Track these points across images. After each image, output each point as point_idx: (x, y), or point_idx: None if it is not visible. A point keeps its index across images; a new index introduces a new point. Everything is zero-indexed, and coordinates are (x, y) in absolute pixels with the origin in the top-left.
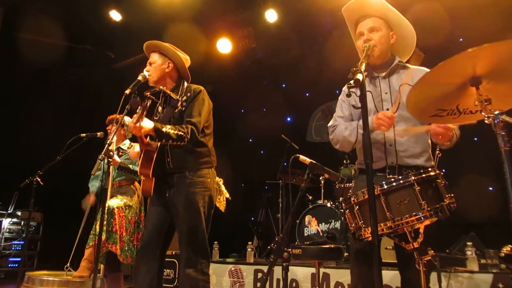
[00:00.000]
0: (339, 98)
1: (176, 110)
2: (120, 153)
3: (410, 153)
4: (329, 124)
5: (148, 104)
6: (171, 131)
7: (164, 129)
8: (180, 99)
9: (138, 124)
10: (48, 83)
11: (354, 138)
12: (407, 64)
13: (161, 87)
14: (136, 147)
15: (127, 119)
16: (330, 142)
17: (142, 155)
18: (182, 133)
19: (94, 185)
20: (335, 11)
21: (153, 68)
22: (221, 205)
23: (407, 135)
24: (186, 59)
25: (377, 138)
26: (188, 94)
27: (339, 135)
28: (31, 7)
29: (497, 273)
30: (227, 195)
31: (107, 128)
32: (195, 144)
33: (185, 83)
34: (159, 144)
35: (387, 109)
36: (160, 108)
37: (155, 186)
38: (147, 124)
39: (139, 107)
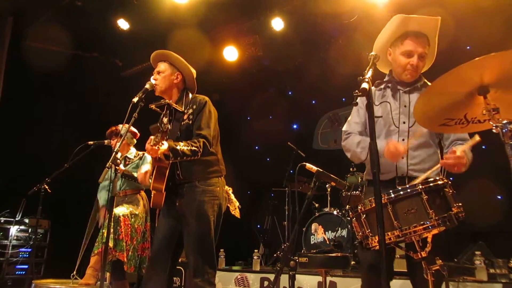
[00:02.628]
0: None
1: (183, 123)
2: (127, 162)
3: (421, 167)
4: (343, 129)
5: (168, 129)
6: (185, 148)
7: (178, 148)
8: (185, 111)
9: (156, 147)
10: (56, 91)
11: (364, 157)
12: (429, 83)
13: (167, 100)
14: (143, 168)
15: (124, 129)
16: (336, 149)
17: (155, 171)
18: (196, 148)
19: (103, 197)
20: (341, 19)
21: (162, 78)
22: (236, 212)
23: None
24: (193, 72)
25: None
26: (194, 107)
27: (350, 145)
28: (39, 15)
29: (506, 283)
30: (237, 204)
31: (111, 141)
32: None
33: (190, 94)
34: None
35: (404, 122)
36: (165, 120)
37: (165, 196)
38: (163, 145)
39: (159, 131)
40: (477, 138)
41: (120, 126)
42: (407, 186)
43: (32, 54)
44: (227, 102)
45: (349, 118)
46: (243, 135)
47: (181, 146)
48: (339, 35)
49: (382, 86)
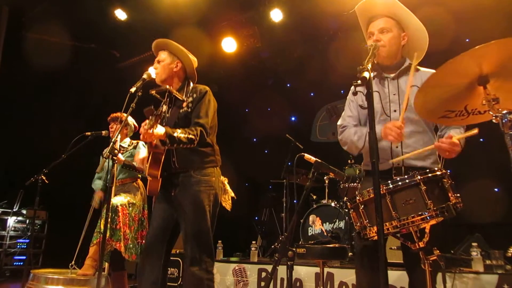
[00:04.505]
0: (348, 97)
1: (182, 111)
2: (121, 151)
3: (416, 155)
4: (338, 123)
5: (162, 112)
6: (182, 135)
7: (175, 134)
8: (185, 99)
9: (151, 131)
10: (53, 82)
11: (362, 144)
12: (418, 67)
13: (167, 86)
14: (141, 153)
15: (130, 119)
16: (334, 142)
17: (150, 157)
18: (193, 136)
19: (98, 183)
20: (341, 11)
21: (161, 67)
22: (227, 204)
23: (415, 156)
24: (194, 60)
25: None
26: (194, 95)
27: (347, 137)
28: (36, 6)
29: (502, 274)
30: (232, 194)
31: (109, 126)
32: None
33: (191, 84)
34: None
35: (394, 110)
36: (164, 107)
37: (161, 185)
38: (159, 130)
39: (152, 114)
40: (475, 130)
41: (125, 114)
42: (406, 176)
43: (28, 44)
44: (225, 94)
45: (342, 113)
46: (241, 127)
47: (178, 133)
48: (338, 27)
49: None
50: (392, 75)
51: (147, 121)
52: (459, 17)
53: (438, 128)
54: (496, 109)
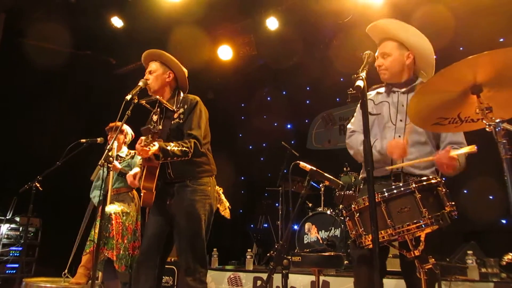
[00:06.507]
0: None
1: (173, 122)
2: (119, 161)
3: (416, 164)
4: (348, 126)
5: (159, 131)
6: (176, 149)
7: (169, 148)
8: (176, 110)
9: (147, 148)
10: (49, 88)
11: None
12: None
13: (157, 96)
14: (132, 171)
15: (126, 127)
16: (330, 149)
17: (145, 170)
18: (186, 149)
19: (96, 196)
20: (336, 19)
21: (154, 77)
22: (226, 213)
23: (411, 165)
24: (185, 71)
25: (386, 145)
26: (185, 106)
27: (354, 144)
28: (32, 12)
29: (498, 282)
30: (227, 204)
31: (108, 137)
32: None
33: (181, 94)
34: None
35: (401, 120)
36: (155, 117)
37: (155, 194)
38: (154, 146)
39: (150, 133)
40: (474, 148)
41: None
42: (401, 184)
43: (25, 51)
44: (221, 102)
45: (353, 117)
46: (237, 135)
47: (172, 146)
48: (334, 35)
49: (382, 90)
50: (403, 89)
51: (142, 138)
52: (454, 25)
53: (440, 147)
54: (490, 118)
